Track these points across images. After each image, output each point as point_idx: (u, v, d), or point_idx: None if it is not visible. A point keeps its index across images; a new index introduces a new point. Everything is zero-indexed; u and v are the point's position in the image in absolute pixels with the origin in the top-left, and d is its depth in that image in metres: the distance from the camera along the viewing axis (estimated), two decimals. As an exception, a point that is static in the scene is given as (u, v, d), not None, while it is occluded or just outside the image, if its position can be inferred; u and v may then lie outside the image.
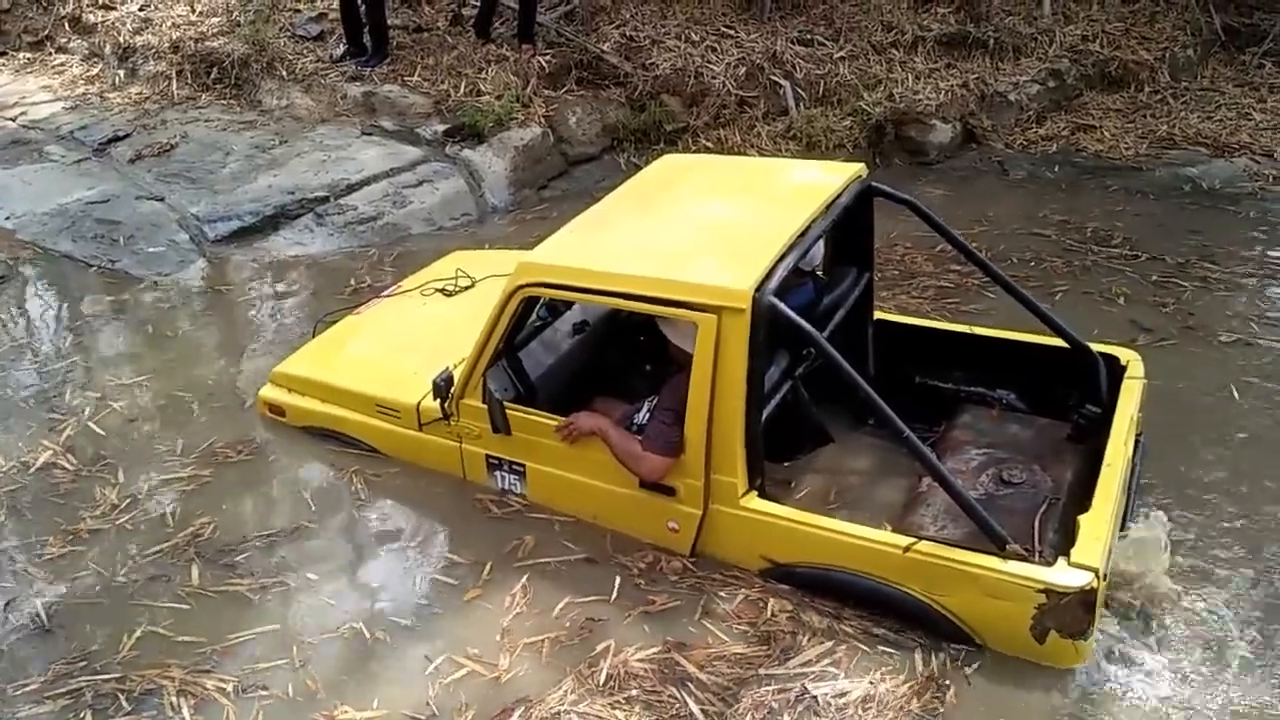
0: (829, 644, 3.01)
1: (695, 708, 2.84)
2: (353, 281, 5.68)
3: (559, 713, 2.85)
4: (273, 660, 3.10)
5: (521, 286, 3.36)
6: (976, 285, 5.22)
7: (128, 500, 3.83)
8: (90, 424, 4.34)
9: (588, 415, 3.44)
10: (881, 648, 3.01)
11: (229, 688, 2.99)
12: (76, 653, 3.15)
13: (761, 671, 2.94)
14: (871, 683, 2.87)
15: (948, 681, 2.88)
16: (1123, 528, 3.20)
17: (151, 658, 3.11)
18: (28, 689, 3.03)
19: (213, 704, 2.95)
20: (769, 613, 3.12)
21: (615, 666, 2.99)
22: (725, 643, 3.06)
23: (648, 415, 3.39)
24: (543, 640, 3.12)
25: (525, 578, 3.37)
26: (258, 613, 3.30)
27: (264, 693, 2.99)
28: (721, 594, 3.22)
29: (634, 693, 2.90)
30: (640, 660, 3.01)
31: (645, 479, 3.31)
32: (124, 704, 2.96)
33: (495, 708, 2.89)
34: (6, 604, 3.34)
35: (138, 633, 3.20)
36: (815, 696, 2.83)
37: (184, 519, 3.73)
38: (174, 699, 2.95)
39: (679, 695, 2.89)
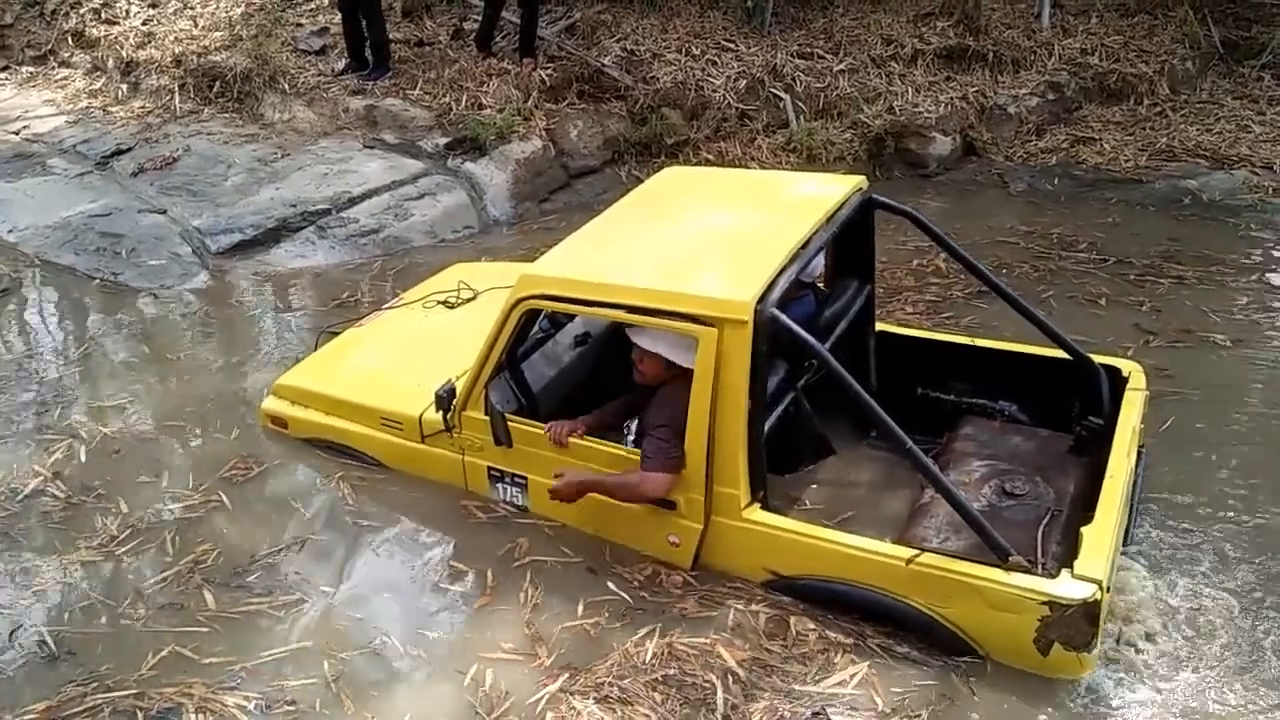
0: (863, 664, 3.00)
1: (721, 696, 2.87)
2: (354, 294, 5.69)
3: (603, 683, 2.90)
4: (299, 677, 3.09)
5: (523, 299, 3.37)
6: (962, 298, 5.24)
7: (129, 531, 3.77)
8: (89, 440, 4.32)
9: (572, 473, 3.37)
10: (916, 681, 2.97)
11: (250, 705, 2.97)
12: (85, 675, 3.12)
13: (796, 687, 2.93)
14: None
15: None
16: (1125, 540, 3.19)
17: (171, 677, 3.09)
18: (35, 711, 2.99)
19: (231, 720, 2.94)
20: (794, 631, 3.12)
21: (661, 647, 3.03)
22: (763, 652, 3.06)
23: (634, 437, 3.38)
24: (581, 625, 3.18)
25: (529, 577, 3.39)
26: (281, 630, 3.29)
27: (290, 708, 2.97)
28: (737, 605, 3.22)
29: (672, 672, 2.94)
30: (685, 644, 3.05)
31: (650, 499, 3.29)
32: None
33: (540, 688, 2.94)
34: (12, 632, 3.31)
35: (164, 652, 3.18)
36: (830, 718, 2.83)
37: (188, 539, 3.70)
38: (193, 715, 2.93)
39: (714, 682, 2.91)
